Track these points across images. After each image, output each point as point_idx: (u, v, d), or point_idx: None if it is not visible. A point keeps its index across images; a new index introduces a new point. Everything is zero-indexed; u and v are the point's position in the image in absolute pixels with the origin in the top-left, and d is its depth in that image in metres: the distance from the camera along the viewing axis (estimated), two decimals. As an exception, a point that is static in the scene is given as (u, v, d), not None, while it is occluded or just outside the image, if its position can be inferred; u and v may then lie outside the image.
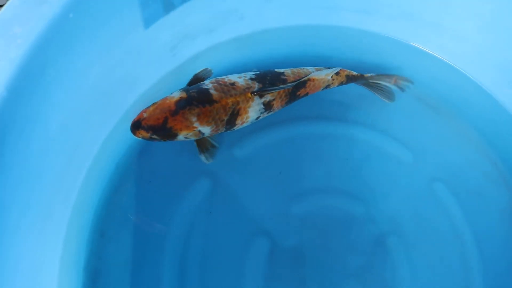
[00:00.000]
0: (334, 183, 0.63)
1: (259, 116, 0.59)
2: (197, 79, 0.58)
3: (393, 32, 0.66)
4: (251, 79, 0.58)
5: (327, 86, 0.63)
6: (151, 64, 0.59)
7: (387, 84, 0.65)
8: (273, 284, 0.60)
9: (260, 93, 0.57)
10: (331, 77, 0.62)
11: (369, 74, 0.65)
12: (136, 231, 0.61)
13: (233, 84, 0.56)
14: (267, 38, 0.66)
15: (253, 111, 0.58)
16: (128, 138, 0.56)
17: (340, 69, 0.63)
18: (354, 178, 0.64)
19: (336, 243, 0.62)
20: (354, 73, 0.64)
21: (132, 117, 0.55)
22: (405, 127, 0.66)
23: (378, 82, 0.65)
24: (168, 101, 0.54)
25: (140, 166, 0.63)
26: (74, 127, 0.52)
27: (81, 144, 0.54)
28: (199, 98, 0.54)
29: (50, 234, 0.56)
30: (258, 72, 0.59)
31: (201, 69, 0.59)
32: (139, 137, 0.55)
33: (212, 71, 0.59)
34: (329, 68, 0.62)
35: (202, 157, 0.61)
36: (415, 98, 0.67)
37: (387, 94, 0.65)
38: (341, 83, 0.64)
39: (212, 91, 0.55)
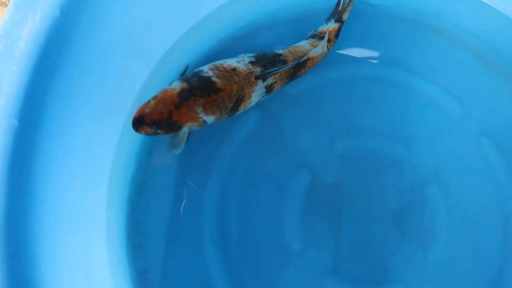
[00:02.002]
0: (379, 126, 0.64)
1: (260, 100, 0.59)
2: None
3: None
4: (251, 63, 0.56)
5: (324, 57, 0.62)
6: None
7: None
8: (310, 217, 0.61)
9: (264, 76, 0.56)
10: (326, 47, 0.61)
11: (345, 14, 0.63)
12: (183, 151, 0.63)
13: (234, 69, 0.54)
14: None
15: (256, 95, 0.57)
16: (187, 56, 0.58)
17: (329, 35, 0.61)
18: (400, 123, 0.64)
19: (376, 184, 0.62)
20: (337, 26, 0.63)
21: (198, 34, 0.56)
22: (457, 79, 0.65)
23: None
24: (169, 93, 0.52)
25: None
26: (137, 34, 0.54)
27: (142, 53, 0.56)
28: (203, 87, 0.52)
29: (103, 142, 0.58)
30: (256, 55, 0.58)
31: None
32: (142, 133, 0.53)
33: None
34: (320, 39, 0.61)
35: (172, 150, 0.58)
36: (471, 52, 0.66)
37: None
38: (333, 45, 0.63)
39: (214, 79, 0.53)
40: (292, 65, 0.57)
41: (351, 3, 0.64)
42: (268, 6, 0.66)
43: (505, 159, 0.63)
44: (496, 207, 0.62)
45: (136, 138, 0.62)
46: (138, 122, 0.51)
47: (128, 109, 0.59)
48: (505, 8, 0.65)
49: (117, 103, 0.58)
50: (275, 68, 0.56)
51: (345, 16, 0.63)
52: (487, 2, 0.66)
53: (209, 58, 0.62)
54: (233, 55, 0.59)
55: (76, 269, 0.53)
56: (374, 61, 0.66)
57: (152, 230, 0.61)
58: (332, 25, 0.62)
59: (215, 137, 0.63)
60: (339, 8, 0.63)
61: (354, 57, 0.66)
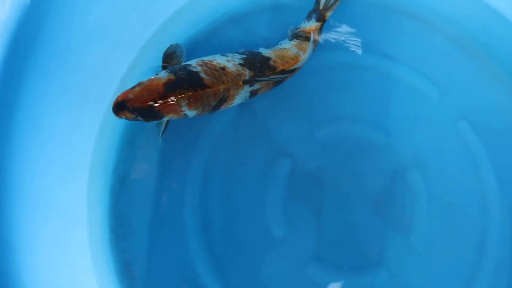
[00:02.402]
0: (358, 113, 0.64)
1: (242, 102, 0.59)
2: (169, 56, 0.57)
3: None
4: (241, 64, 0.56)
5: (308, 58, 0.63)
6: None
7: None
8: (291, 204, 0.62)
9: (252, 83, 0.56)
10: (313, 49, 0.62)
11: (328, 13, 0.64)
12: (164, 142, 0.63)
13: (223, 69, 0.54)
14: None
15: (239, 98, 0.57)
16: (167, 46, 0.58)
17: (314, 35, 0.62)
18: (379, 109, 0.64)
19: (356, 170, 0.63)
20: (319, 24, 0.63)
21: (177, 24, 0.56)
22: (435, 64, 0.66)
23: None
24: (155, 82, 0.52)
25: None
26: (114, 24, 0.54)
27: (120, 44, 0.57)
28: (190, 81, 0.52)
29: (83, 132, 0.59)
30: (245, 56, 0.58)
31: (168, 46, 0.57)
32: (121, 117, 0.52)
33: (182, 46, 0.57)
34: (304, 39, 0.62)
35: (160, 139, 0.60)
36: (448, 37, 0.67)
37: None
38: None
39: (202, 75, 0.53)
40: (281, 78, 0.58)
41: (336, 4, 0.64)
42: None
43: (482, 142, 0.63)
44: (475, 189, 0.62)
45: (117, 130, 0.62)
46: (120, 106, 0.51)
47: (108, 100, 0.59)
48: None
49: (96, 93, 0.58)
50: (264, 78, 0.57)
51: (327, 15, 0.63)
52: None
53: (189, 47, 0.62)
54: (214, 44, 0.59)
55: (57, 259, 0.54)
56: (352, 48, 0.66)
57: (135, 221, 0.62)
58: (315, 24, 0.63)
59: (196, 127, 0.63)
60: (321, 7, 0.63)
61: (332, 44, 0.66)
